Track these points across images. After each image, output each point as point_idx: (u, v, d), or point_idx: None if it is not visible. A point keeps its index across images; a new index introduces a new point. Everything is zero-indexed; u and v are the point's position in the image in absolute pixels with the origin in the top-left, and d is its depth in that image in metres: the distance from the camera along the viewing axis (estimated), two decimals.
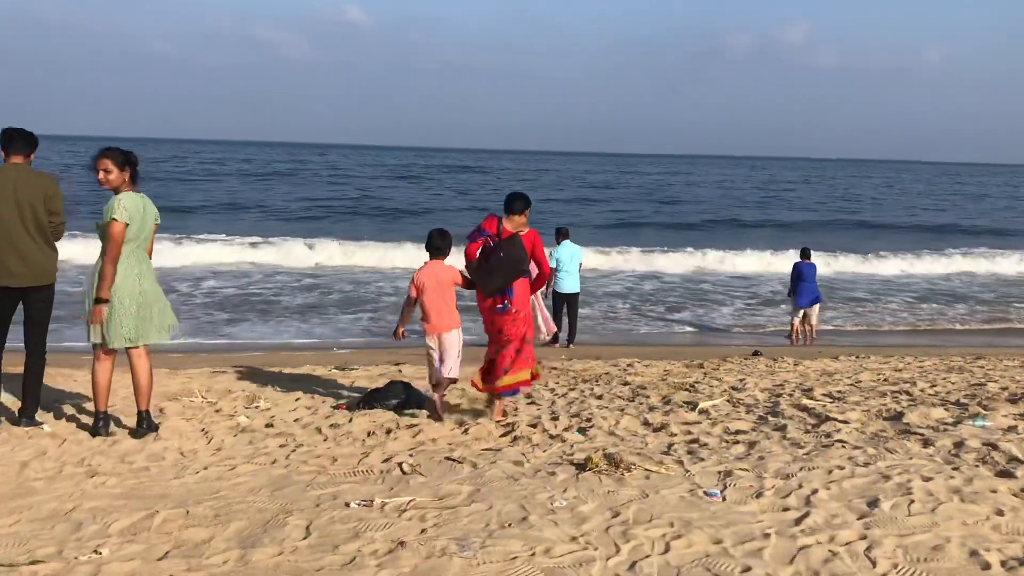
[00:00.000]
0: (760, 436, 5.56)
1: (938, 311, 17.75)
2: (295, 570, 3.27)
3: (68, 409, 6.20)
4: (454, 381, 6.35)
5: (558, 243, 12.09)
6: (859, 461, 4.82)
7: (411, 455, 4.98)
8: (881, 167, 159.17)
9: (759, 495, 4.20)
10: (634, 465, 4.62)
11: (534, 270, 6.39)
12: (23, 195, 5.29)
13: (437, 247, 6.24)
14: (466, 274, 6.22)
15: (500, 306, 6.05)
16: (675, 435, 5.63)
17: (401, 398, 6.54)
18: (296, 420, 6.12)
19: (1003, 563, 3.40)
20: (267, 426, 5.93)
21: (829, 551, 3.51)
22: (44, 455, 4.90)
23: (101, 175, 5.16)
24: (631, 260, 23.21)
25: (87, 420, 5.69)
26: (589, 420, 6.05)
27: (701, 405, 6.67)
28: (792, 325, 13.81)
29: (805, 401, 6.88)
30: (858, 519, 3.89)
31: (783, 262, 22.29)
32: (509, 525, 3.74)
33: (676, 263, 23.09)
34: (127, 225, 5.13)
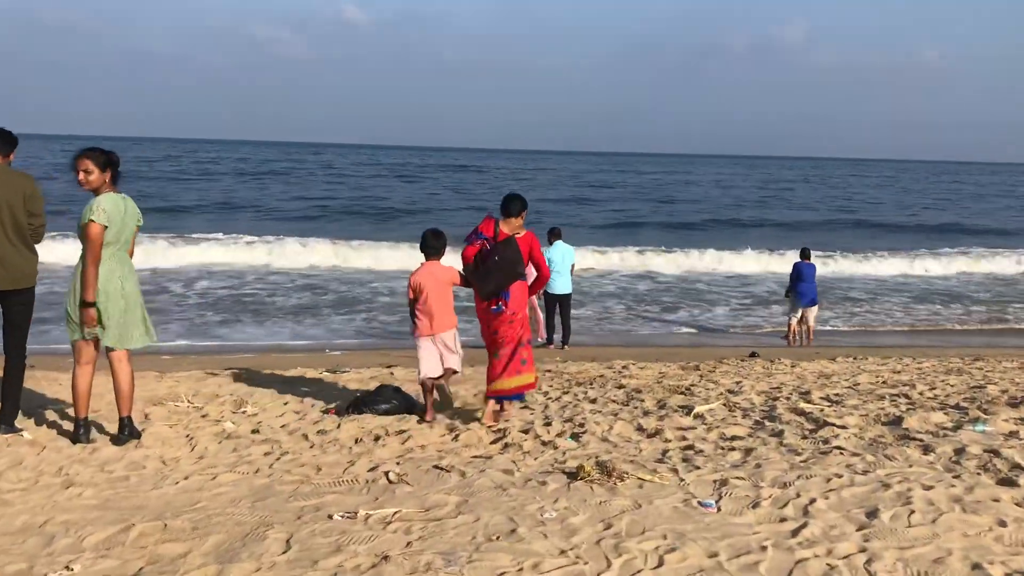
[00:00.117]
0: (756, 442, 5.44)
1: (936, 311, 17.67)
2: None
3: (51, 415, 6.08)
4: (455, 371, 6.39)
5: (550, 243, 11.98)
6: (858, 469, 4.70)
7: (398, 463, 4.85)
8: (879, 166, 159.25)
9: (755, 505, 4.08)
10: (627, 474, 4.50)
11: (532, 273, 6.37)
12: (1, 196, 5.16)
13: (432, 247, 6.22)
14: (463, 273, 6.22)
15: (495, 308, 6.03)
16: (670, 441, 5.51)
17: (391, 403, 6.43)
18: (283, 426, 5.99)
19: None
20: (253, 432, 5.81)
21: (827, 565, 3.39)
22: (20, 464, 4.77)
23: (81, 176, 5.03)
24: (628, 260, 23.10)
25: (69, 426, 5.57)
26: (582, 426, 5.93)
27: (696, 409, 6.55)
28: (789, 326, 13.72)
29: (802, 405, 6.76)
30: (857, 530, 3.77)
31: (780, 262, 22.21)
32: (497, 538, 3.62)
33: (673, 263, 22.99)
34: (106, 227, 5.00)
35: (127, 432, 5.33)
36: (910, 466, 4.78)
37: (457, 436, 5.61)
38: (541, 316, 12.07)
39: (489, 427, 5.93)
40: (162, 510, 3.99)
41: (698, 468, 4.73)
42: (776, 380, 8.45)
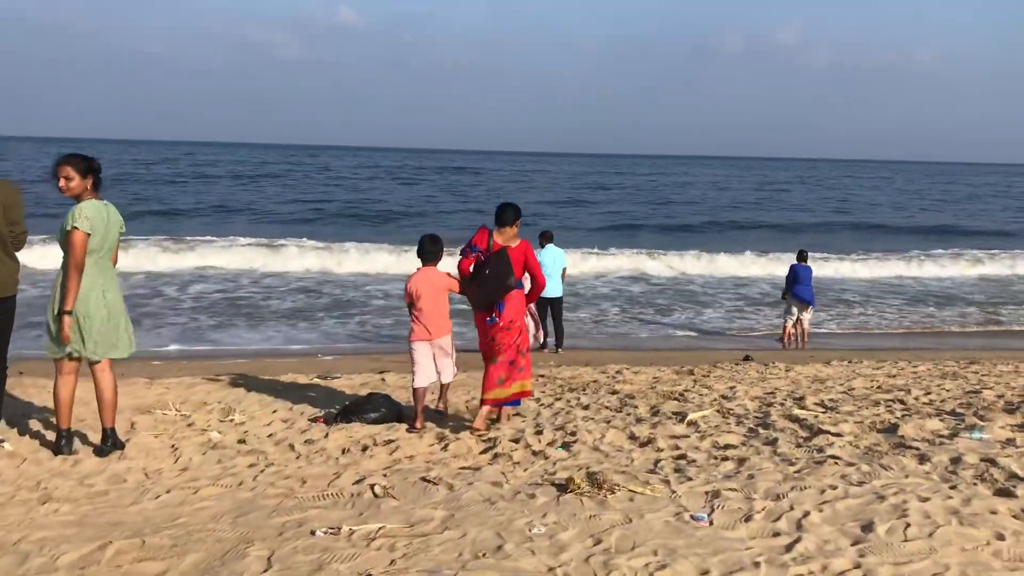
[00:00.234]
0: (750, 451, 5.35)
1: (930, 313, 17.62)
2: None
3: (35, 424, 5.97)
4: (446, 383, 6.45)
5: (542, 247, 11.91)
6: (852, 480, 4.61)
7: (385, 475, 4.76)
8: (874, 167, 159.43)
9: (748, 519, 4.00)
10: (618, 486, 4.41)
11: (528, 281, 6.39)
12: None
13: (429, 252, 6.25)
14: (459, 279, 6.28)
15: (489, 319, 6.09)
16: (662, 450, 5.43)
17: (380, 411, 6.34)
18: (270, 436, 5.90)
19: None
20: (239, 442, 5.72)
21: None
22: None
23: (62, 182, 4.93)
24: (623, 262, 23.03)
25: (53, 436, 5.46)
26: (574, 434, 5.84)
27: (690, 416, 6.47)
28: (785, 328, 13.66)
29: (797, 411, 6.68)
30: (852, 545, 3.70)
31: (776, 264, 22.15)
32: (484, 555, 3.53)
33: (668, 265, 22.92)
34: (89, 235, 4.90)
35: (110, 443, 5.23)
36: (906, 476, 4.70)
37: (446, 446, 5.52)
38: (536, 319, 12.02)
39: (479, 433, 5.88)
40: (141, 526, 3.89)
41: (690, 479, 4.65)
42: (770, 385, 8.38)
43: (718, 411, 6.79)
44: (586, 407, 7.12)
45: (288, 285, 18.59)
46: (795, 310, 13.48)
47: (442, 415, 6.56)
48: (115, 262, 5.24)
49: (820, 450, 5.36)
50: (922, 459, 5.07)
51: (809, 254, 14.34)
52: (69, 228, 4.87)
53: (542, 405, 7.19)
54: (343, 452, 5.38)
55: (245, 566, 3.41)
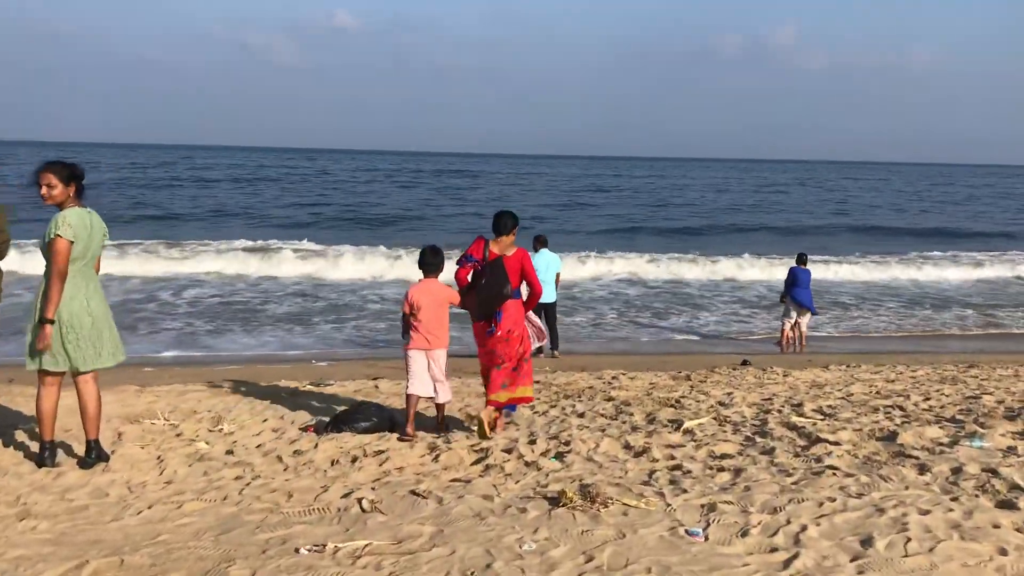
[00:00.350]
0: (747, 461, 5.25)
1: (928, 316, 17.52)
2: None
3: (20, 435, 5.86)
4: (444, 403, 6.42)
5: (535, 251, 11.80)
6: (851, 492, 4.51)
7: (374, 488, 4.65)
8: (872, 169, 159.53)
9: (744, 533, 3.90)
10: (611, 500, 4.30)
11: (526, 289, 6.42)
12: None
13: (430, 264, 6.28)
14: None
15: (489, 329, 6.12)
16: (657, 460, 5.33)
17: (372, 421, 6.24)
18: (259, 446, 5.80)
19: None
20: (227, 453, 5.62)
21: None
22: None
23: (44, 190, 4.82)
24: (621, 265, 22.92)
25: (37, 448, 5.36)
26: (568, 444, 5.74)
27: (686, 424, 6.38)
28: (783, 331, 13.58)
29: (794, 419, 6.59)
30: (851, 560, 3.60)
31: (774, 267, 22.06)
32: (472, 574, 3.43)
33: (665, 268, 22.82)
34: (72, 243, 4.80)
35: (94, 455, 5.13)
36: (906, 488, 4.60)
37: (437, 457, 5.42)
38: (537, 326, 11.94)
39: (489, 426, 6.04)
40: (120, 544, 3.79)
41: (685, 492, 4.54)
42: (768, 391, 8.29)
43: (715, 419, 6.70)
44: (581, 415, 7.03)
45: (285, 289, 18.48)
46: (793, 313, 13.40)
47: (441, 434, 6.42)
48: (98, 270, 5.14)
49: (818, 459, 5.26)
50: (922, 469, 4.98)
51: (808, 256, 14.27)
52: (52, 236, 4.77)
53: (537, 413, 7.10)
54: (332, 464, 5.28)
55: None
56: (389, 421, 6.33)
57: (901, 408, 7.18)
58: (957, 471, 4.90)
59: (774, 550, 3.72)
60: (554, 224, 35.04)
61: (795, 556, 3.63)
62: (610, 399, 7.82)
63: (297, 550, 3.70)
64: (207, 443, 5.84)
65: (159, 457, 5.41)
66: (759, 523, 4.02)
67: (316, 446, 5.70)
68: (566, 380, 9.10)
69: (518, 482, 4.79)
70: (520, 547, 3.72)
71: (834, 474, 4.87)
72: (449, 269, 6.30)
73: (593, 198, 53.36)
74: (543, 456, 5.45)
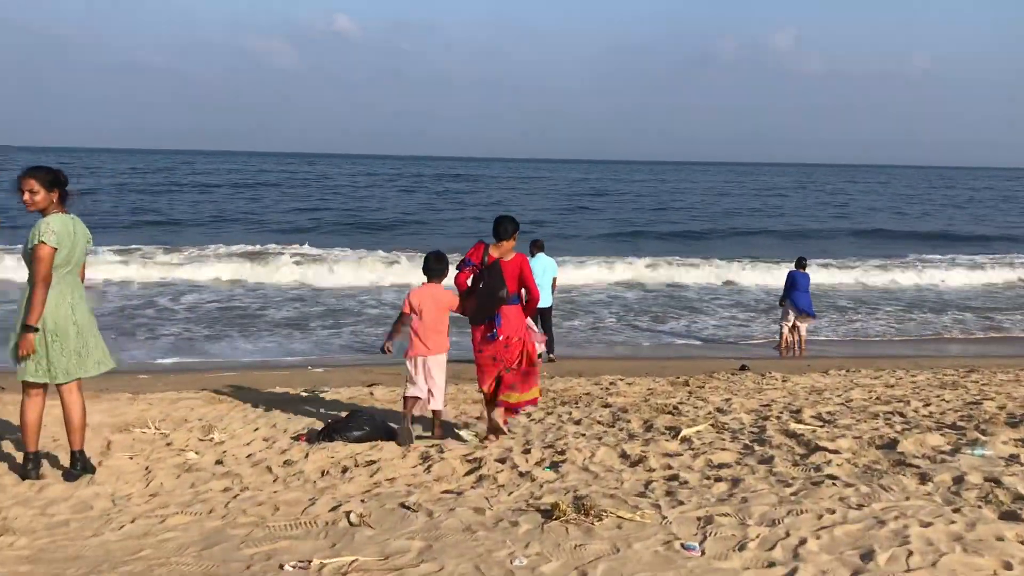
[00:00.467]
0: (745, 471, 5.15)
1: (928, 320, 17.41)
2: None
3: (7, 446, 5.77)
4: (438, 410, 6.41)
5: (532, 255, 11.69)
6: (851, 503, 4.41)
7: (363, 501, 4.54)
8: (872, 172, 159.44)
9: (742, 547, 3.80)
10: (605, 512, 4.20)
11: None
12: None
13: (434, 270, 6.34)
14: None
15: (489, 334, 6.13)
16: (653, 470, 5.22)
17: (364, 430, 6.14)
18: (249, 456, 5.71)
19: None
20: (216, 463, 5.52)
21: None
22: None
23: (27, 196, 4.73)
24: (620, 269, 22.82)
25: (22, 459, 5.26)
26: (563, 453, 5.64)
27: (684, 432, 6.28)
28: (781, 334, 13.49)
29: (793, 426, 6.49)
30: (851, 575, 3.50)
31: (774, 271, 21.95)
32: None
33: (665, 272, 22.71)
34: (56, 249, 4.71)
35: (80, 466, 5.03)
36: (907, 498, 4.50)
37: (430, 467, 5.31)
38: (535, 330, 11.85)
39: (503, 427, 6.27)
40: (100, 561, 3.68)
41: (682, 503, 4.44)
42: (766, 396, 8.20)
43: (712, 426, 6.60)
44: (578, 422, 6.93)
45: (284, 295, 18.39)
46: (792, 317, 13.32)
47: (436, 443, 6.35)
48: (83, 278, 5.05)
49: (817, 468, 5.16)
50: (923, 478, 4.88)
51: (808, 260, 14.18)
52: (35, 243, 4.68)
53: (533, 420, 7.01)
54: (322, 474, 5.18)
55: None
56: (381, 431, 6.23)
57: (901, 414, 7.08)
58: (959, 480, 4.80)
59: (772, 565, 3.62)
60: (554, 228, 34.94)
61: (794, 571, 3.54)
62: (607, 405, 7.73)
63: (282, 566, 3.60)
64: (196, 453, 5.75)
65: (147, 468, 5.32)
66: (757, 536, 3.92)
67: (307, 456, 5.61)
68: (563, 386, 9.00)
69: (511, 493, 4.69)
70: (511, 563, 3.62)
71: (833, 484, 4.77)
72: (450, 274, 6.36)
73: (593, 202, 53.27)
74: (538, 466, 5.35)
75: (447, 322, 6.36)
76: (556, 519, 4.11)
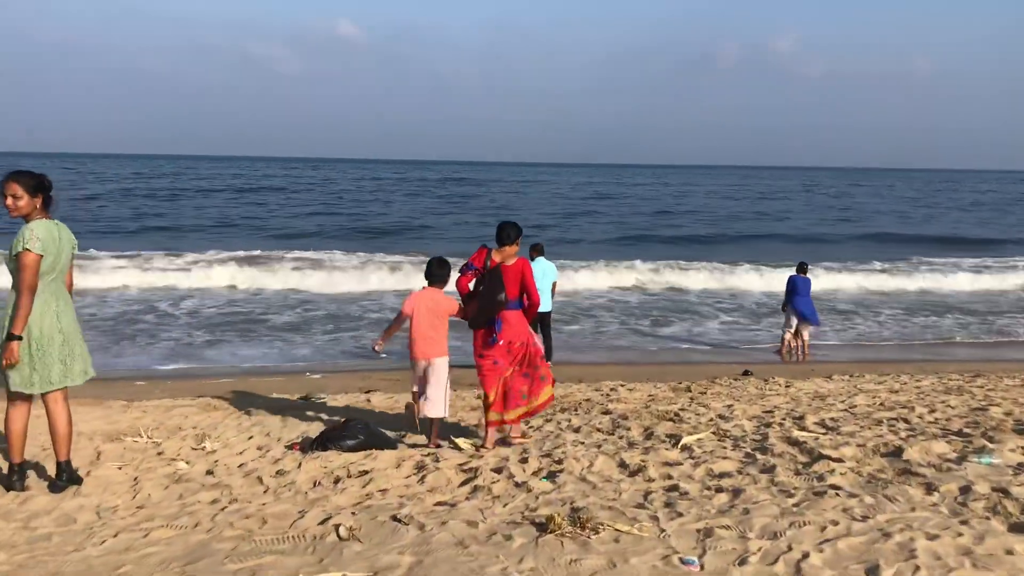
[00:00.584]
0: (746, 480, 5.03)
1: (932, 324, 17.26)
2: None
3: None
4: (439, 419, 6.43)
5: (531, 259, 11.57)
6: (855, 514, 4.29)
7: (354, 513, 4.42)
8: (876, 175, 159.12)
9: (743, 561, 3.67)
10: (602, 525, 4.08)
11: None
12: None
13: (435, 275, 6.39)
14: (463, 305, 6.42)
15: (491, 339, 6.15)
16: (653, 480, 5.10)
17: (358, 439, 6.04)
18: (240, 465, 5.60)
19: None
20: (207, 473, 5.42)
21: None
22: None
23: (9, 201, 4.63)
24: (623, 273, 22.69)
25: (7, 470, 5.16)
26: (560, 462, 5.52)
27: (684, 440, 6.16)
28: (783, 339, 13.36)
29: (796, 433, 6.36)
30: None
31: (777, 275, 21.80)
32: None
33: (668, 276, 22.58)
34: (41, 257, 4.61)
35: (65, 477, 4.93)
36: (912, 509, 4.37)
37: (424, 477, 5.20)
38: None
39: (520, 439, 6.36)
40: None
41: (681, 515, 4.32)
42: (769, 402, 8.07)
43: (714, 433, 6.48)
44: (577, 429, 6.82)
45: (285, 299, 18.31)
46: (794, 322, 13.19)
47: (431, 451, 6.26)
48: (71, 285, 4.95)
49: (820, 478, 5.03)
50: (929, 488, 4.75)
51: (811, 265, 14.05)
52: (20, 250, 4.58)
53: (531, 427, 6.91)
54: (314, 485, 5.07)
55: None
56: (375, 440, 6.13)
57: (906, 421, 6.95)
58: (966, 490, 4.67)
59: None
60: (557, 232, 34.85)
61: None
62: (607, 412, 7.61)
63: None
64: (187, 463, 5.65)
65: (135, 478, 5.21)
66: (758, 550, 3.79)
67: (299, 466, 5.50)
68: (563, 392, 8.89)
69: (506, 505, 4.57)
70: None
71: (837, 494, 4.64)
72: (452, 278, 6.38)
73: (596, 206, 53.17)
74: (534, 476, 5.24)
75: (446, 328, 6.39)
76: (551, 532, 3.99)
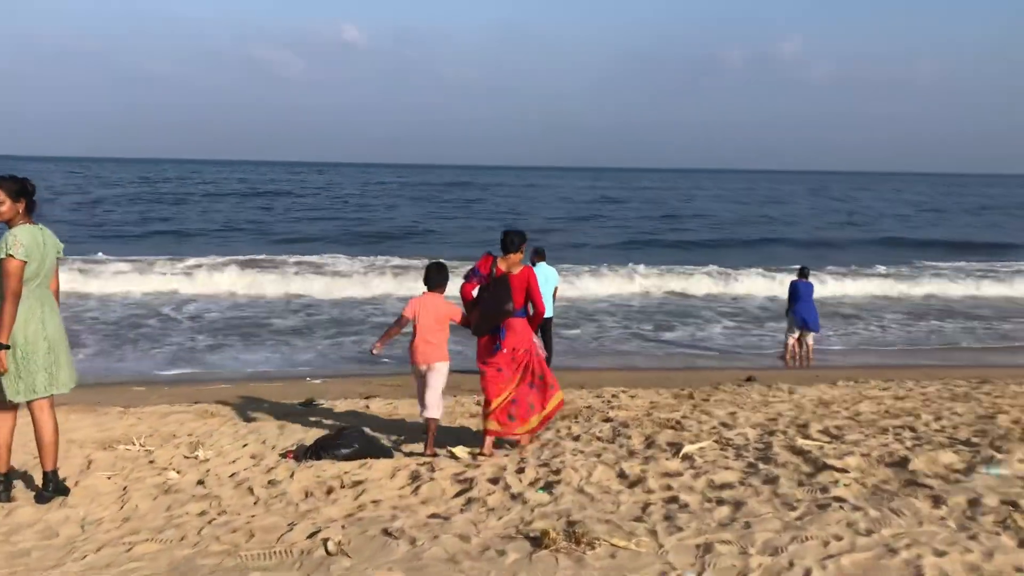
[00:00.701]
0: (748, 492, 4.90)
1: (938, 329, 17.09)
2: None
3: None
4: (436, 421, 6.35)
5: (533, 264, 11.43)
6: (860, 528, 4.16)
7: (344, 526, 4.32)
8: (883, 179, 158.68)
9: None
10: (599, 540, 3.96)
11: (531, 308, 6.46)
12: None
13: (433, 280, 6.34)
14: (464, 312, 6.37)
15: (495, 346, 6.14)
16: (652, 491, 4.98)
17: (353, 448, 5.93)
18: (232, 475, 5.50)
19: None
20: (198, 483, 5.32)
21: None
22: None
23: None
24: (627, 278, 22.56)
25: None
26: (558, 472, 5.40)
27: (685, 449, 6.04)
28: (786, 345, 13.22)
29: (800, 441, 6.24)
30: None
31: (781, 280, 21.64)
32: None
33: (672, 281, 22.43)
34: (25, 263, 4.52)
35: (52, 488, 4.83)
36: (919, 523, 4.24)
37: (418, 488, 5.08)
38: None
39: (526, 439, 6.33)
40: None
41: (680, 529, 4.19)
42: (773, 409, 7.94)
43: (716, 441, 6.36)
44: (576, 438, 6.70)
45: (288, 304, 18.24)
46: (797, 327, 13.06)
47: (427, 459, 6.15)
48: (57, 290, 4.85)
49: (824, 489, 4.91)
50: (936, 501, 4.62)
51: (816, 270, 13.91)
52: (2, 256, 4.48)
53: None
54: (305, 496, 4.96)
55: None
56: (371, 448, 6.02)
57: (912, 429, 6.82)
58: (974, 503, 4.54)
59: None
60: (562, 237, 34.71)
61: None
62: (608, 420, 7.49)
63: None
64: (178, 472, 5.55)
65: (124, 488, 5.12)
66: (759, 566, 3.67)
67: (292, 475, 5.39)
68: (564, 398, 8.75)
69: (500, 518, 4.45)
70: None
71: (841, 507, 4.51)
72: (455, 283, 6.32)
73: (601, 210, 53.03)
74: (531, 486, 5.12)
75: (446, 333, 6.35)
76: (546, 548, 3.87)
